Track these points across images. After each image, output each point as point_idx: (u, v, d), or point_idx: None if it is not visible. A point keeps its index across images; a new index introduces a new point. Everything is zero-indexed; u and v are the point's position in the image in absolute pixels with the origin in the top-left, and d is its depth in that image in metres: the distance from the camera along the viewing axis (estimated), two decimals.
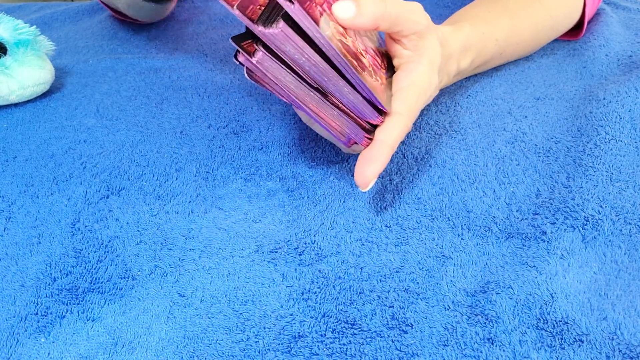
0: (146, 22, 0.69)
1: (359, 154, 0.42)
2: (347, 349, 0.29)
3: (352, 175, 0.40)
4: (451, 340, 0.29)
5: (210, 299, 0.32)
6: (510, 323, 0.30)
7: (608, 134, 0.43)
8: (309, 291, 0.32)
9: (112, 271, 0.34)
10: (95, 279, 0.34)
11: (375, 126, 0.35)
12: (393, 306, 0.31)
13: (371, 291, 0.32)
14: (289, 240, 0.36)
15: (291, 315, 0.31)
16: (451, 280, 0.32)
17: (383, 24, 0.32)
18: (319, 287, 0.32)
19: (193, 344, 0.30)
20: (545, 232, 0.35)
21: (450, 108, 0.48)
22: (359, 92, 0.32)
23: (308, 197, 0.39)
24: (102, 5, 0.73)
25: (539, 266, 0.33)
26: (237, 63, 0.32)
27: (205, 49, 0.63)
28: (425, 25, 0.36)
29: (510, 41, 0.49)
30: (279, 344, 0.30)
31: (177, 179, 0.41)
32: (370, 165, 0.32)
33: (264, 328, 0.30)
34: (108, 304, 0.32)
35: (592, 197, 0.37)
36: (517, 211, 0.37)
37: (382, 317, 0.31)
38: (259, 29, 0.28)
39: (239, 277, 0.33)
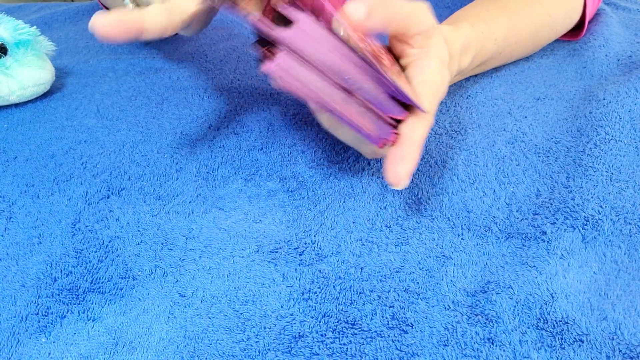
0: None
1: (362, 155, 0.42)
2: (347, 348, 0.29)
3: (352, 175, 0.40)
4: (451, 340, 0.29)
5: (211, 299, 0.32)
6: (510, 323, 0.30)
7: (608, 134, 0.43)
8: (309, 291, 0.32)
9: (112, 271, 0.34)
10: (96, 279, 0.34)
11: (397, 122, 0.34)
12: (393, 306, 0.31)
13: (371, 291, 0.32)
14: (289, 241, 0.36)
15: (291, 315, 0.31)
16: (451, 280, 0.32)
17: (392, 25, 0.33)
18: (319, 287, 0.32)
19: (193, 343, 0.30)
20: (545, 232, 0.35)
21: (450, 108, 0.48)
22: (382, 88, 0.32)
23: (308, 197, 0.39)
24: (102, 7, 0.73)
25: (539, 266, 0.33)
26: (262, 72, 0.33)
27: (205, 49, 0.63)
28: (432, 24, 0.36)
29: (509, 40, 0.49)
30: (279, 344, 0.30)
31: (177, 179, 0.41)
32: (403, 163, 0.32)
33: (265, 328, 0.30)
34: (109, 304, 0.32)
35: (592, 197, 0.37)
36: (517, 211, 0.37)
37: (383, 317, 0.31)
38: (280, 33, 0.28)
39: (239, 277, 0.33)
